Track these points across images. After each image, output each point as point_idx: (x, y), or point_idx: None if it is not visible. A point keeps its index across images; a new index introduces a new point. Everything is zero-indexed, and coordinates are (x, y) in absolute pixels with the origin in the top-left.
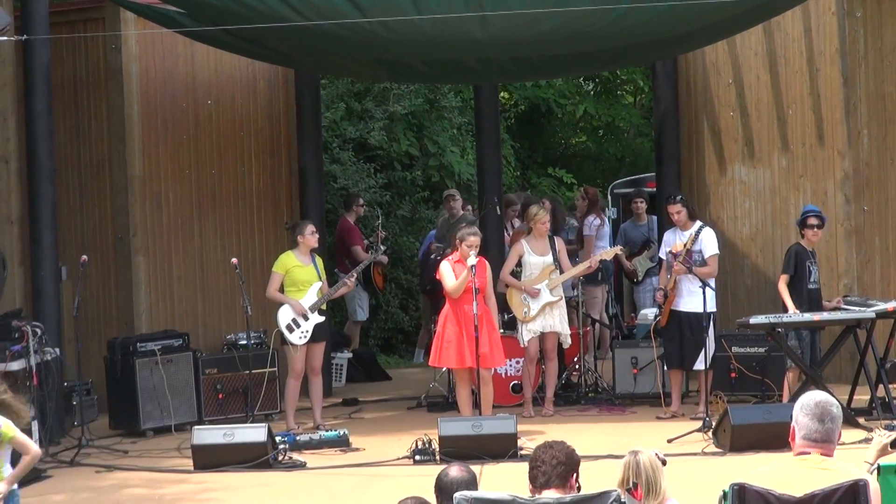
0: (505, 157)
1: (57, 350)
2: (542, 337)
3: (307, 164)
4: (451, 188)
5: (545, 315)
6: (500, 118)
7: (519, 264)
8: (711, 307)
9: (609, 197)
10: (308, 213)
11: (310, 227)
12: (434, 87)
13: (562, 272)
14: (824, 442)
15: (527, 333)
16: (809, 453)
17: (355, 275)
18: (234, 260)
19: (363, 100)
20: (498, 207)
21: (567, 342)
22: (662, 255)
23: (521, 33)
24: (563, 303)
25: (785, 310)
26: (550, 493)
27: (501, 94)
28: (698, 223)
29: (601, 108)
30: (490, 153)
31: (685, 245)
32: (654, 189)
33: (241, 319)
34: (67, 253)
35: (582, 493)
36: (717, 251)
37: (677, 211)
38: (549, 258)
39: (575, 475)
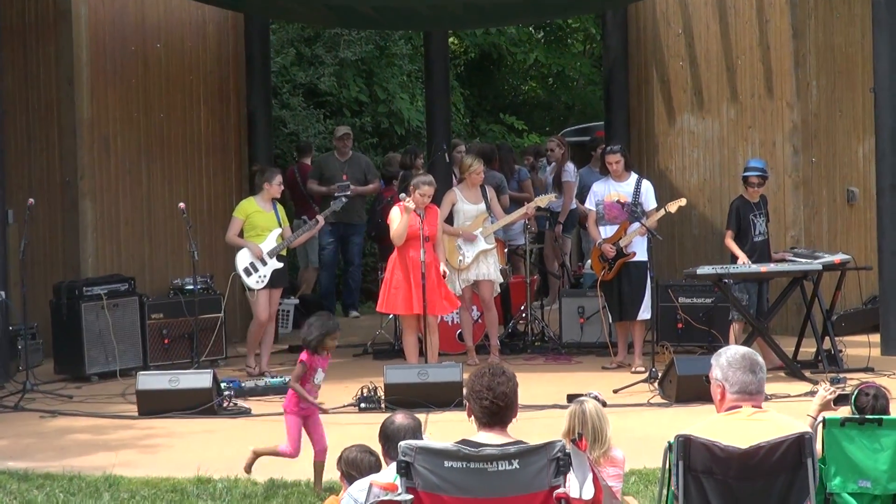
0: (454, 105)
1: (2, 293)
2: (477, 285)
3: (256, 110)
4: (346, 126)
5: (479, 263)
6: (449, 65)
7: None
8: (645, 257)
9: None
10: (257, 159)
11: (278, 178)
12: (384, 33)
13: (494, 220)
14: (758, 393)
15: (460, 282)
16: (741, 407)
17: (321, 220)
18: (182, 205)
19: (313, 45)
20: (447, 154)
21: (497, 290)
22: (591, 205)
23: None
24: (495, 251)
25: (734, 261)
26: (489, 437)
27: (451, 40)
28: (634, 174)
29: (551, 56)
30: (439, 100)
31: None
32: (603, 137)
33: (188, 264)
34: (14, 196)
35: (527, 444)
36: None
37: (616, 161)
38: (483, 206)
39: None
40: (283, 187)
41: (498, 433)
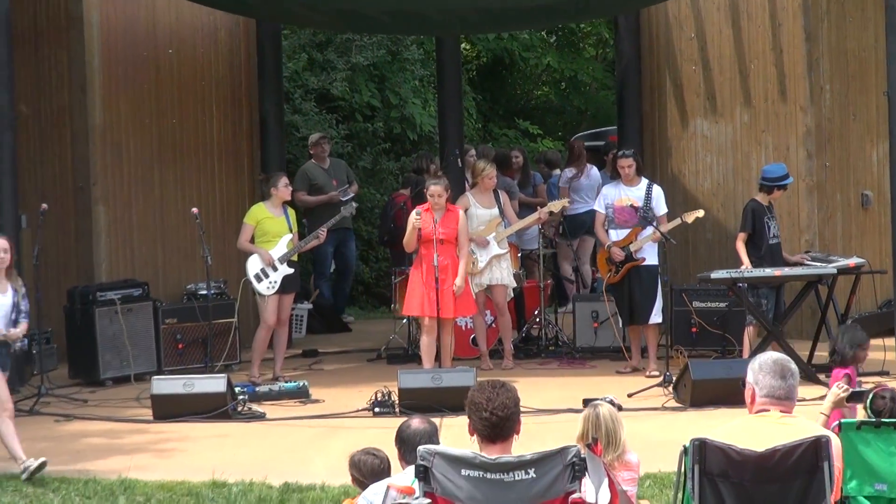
0: (466, 109)
1: None
2: (491, 290)
3: (268, 114)
4: (324, 133)
5: (492, 268)
6: (461, 70)
7: None
8: (655, 261)
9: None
10: (269, 164)
11: (283, 180)
12: (396, 38)
13: (507, 224)
14: (787, 399)
15: (474, 286)
16: (769, 410)
17: (326, 228)
18: (195, 210)
19: (325, 50)
20: (459, 159)
21: (510, 295)
22: (601, 207)
23: None
24: (508, 255)
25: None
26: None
27: (464, 45)
28: (645, 179)
29: (564, 61)
30: (451, 105)
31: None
32: (616, 142)
33: (202, 269)
34: (27, 201)
35: (542, 450)
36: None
37: (629, 165)
38: (496, 210)
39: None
40: (290, 188)
41: (500, 450)
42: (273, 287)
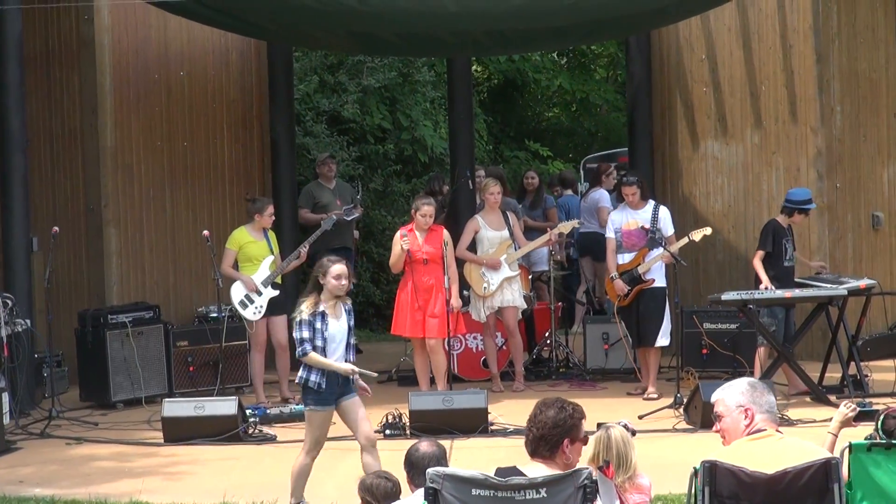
0: (477, 131)
1: (28, 321)
2: (501, 312)
3: (279, 137)
4: (332, 153)
5: (503, 290)
6: (472, 92)
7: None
8: (664, 283)
9: (581, 171)
10: (280, 186)
11: (270, 209)
12: (407, 60)
13: (518, 247)
14: (777, 418)
15: (485, 309)
16: (766, 430)
17: (306, 246)
18: (206, 232)
19: (336, 73)
20: (470, 181)
21: (519, 316)
22: (611, 234)
23: (494, 7)
24: (518, 277)
25: (758, 284)
26: (535, 467)
27: (475, 67)
28: (652, 201)
29: (575, 83)
30: (463, 127)
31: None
32: (627, 163)
33: (213, 292)
34: (39, 224)
35: (552, 472)
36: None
37: (633, 193)
38: (506, 232)
39: (567, 441)
40: (273, 218)
41: (542, 463)
42: (259, 312)
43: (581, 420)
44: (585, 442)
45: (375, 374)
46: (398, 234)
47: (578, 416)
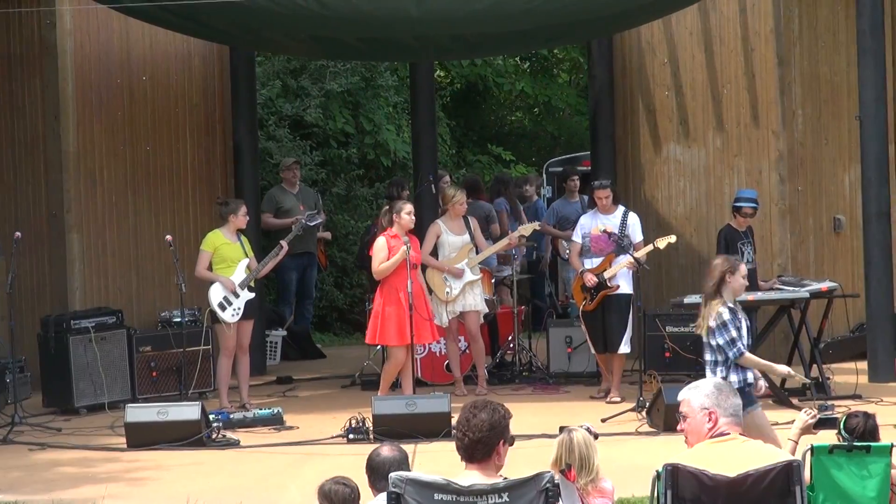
0: (441, 136)
1: None
2: (463, 316)
3: (242, 141)
4: (295, 158)
5: (465, 294)
6: (435, 96)
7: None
8: (629, 290)
9: (544, 175)
10: (243, 190)
11: (243, 209)
12: (371, 65)
13: (479, 251)
14: (741, 420)
15: (447, 314)
16: (729, 434)
17: (285, 246)
18: (169, 237)
19: (299, 77)
20: (433, 186)
21: (481, 319)
22: (578, 238)
23: (456, 11)
24: (480, 281)
25: None
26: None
27: (438, 72)
28: (622, 207)
29: (538, 87)
30: (426, 131)
31: (610, 231)
32: (589, 168)
33: (176, 297)
34: (1, 229)
35: (514, 477)
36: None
37: (606, 196)
38: (467, 237)
39: (501, 442)
40: (247, 218)
41: (479, 471)
42: (237, 314)
43: (510, 420)
44: (513, 443)
45: None
46: (381, 240)
47: (509, 416)
